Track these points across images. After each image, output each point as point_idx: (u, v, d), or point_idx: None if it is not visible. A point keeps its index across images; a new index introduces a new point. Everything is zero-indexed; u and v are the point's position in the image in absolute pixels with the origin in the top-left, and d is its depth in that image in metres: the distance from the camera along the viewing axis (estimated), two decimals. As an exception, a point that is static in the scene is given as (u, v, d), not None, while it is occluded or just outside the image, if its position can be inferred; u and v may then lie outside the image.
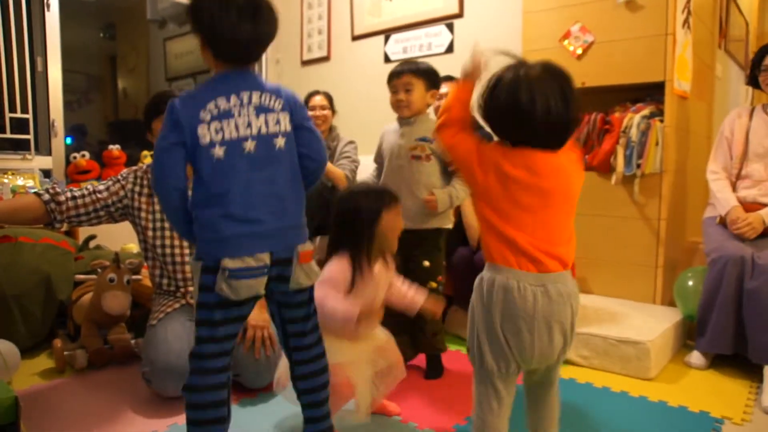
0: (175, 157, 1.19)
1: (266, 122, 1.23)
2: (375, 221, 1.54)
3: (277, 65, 4.54)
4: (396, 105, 2.05)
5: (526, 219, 1.17)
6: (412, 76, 2.01)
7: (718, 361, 2.17)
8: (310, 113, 3.04)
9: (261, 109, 1.23)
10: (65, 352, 2.07)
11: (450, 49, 3.43)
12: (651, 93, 2.62)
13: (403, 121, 2.08)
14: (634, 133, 2.48)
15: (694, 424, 1.70)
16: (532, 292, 1.16)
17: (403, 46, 3.65)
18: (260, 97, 1.24)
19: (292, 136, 1.27)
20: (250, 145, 1.21)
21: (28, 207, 1.80)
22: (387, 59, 3.74)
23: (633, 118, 2.51)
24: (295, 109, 1.30)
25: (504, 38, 3.16)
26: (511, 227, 1.17)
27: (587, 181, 2.74)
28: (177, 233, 1.53)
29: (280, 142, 1.25)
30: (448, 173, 2.03)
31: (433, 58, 3.49)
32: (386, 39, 3.73)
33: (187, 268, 1.95)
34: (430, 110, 2.13)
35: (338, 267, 1.53)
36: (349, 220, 1.56)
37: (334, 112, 3.10)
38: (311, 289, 1.35)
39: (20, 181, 2.91)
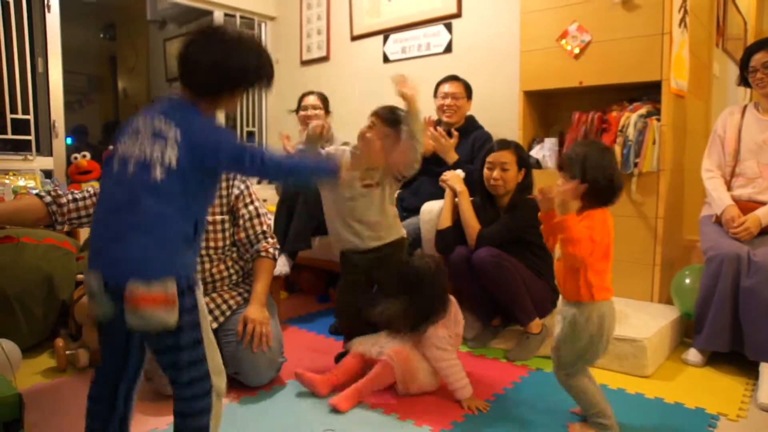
0: None
1: (155, 149, 1.18)
2: None
3: (276, 65, 4.55)
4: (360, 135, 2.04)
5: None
6: (379, 120, 2.01)
7: (714, 359, 2.18)
8: (302, 113, 3.06)
9: (155, 135, 1.19)
10: (67, 352, 2.09)
11: (449, 49, 3.44)
12: (648, 92, 2.63)
13: (355, 150, 2.09)
14: (631, 132, 2.50)
15: (690, 420, 1.72)
16: None
17: (402, 46, 3.66)
18: (163, 123, 1.21)
19: (184, 172, 1.17)
20: (132, 167, 1.17)
21: (30, 208, 1.82)
22: (386, 59, 3.75)
23: (630, 117, 2.52)
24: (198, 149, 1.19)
25: (501, 38, 3.18)
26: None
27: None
28: None
29: (159, 173, 1.16)
30: (392, 192, 2.09)
31: (432, 58, 3.51)
32: (385, 39, 3.74)
33: (188, 267, 1.96)
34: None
35: None
36: None
37: (328, 112, 3.10)
38: (178, 335, 1.16)
39: (21, 182, 2.92)
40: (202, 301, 1.23)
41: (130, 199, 1.15)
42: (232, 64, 1.25)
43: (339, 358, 2.12)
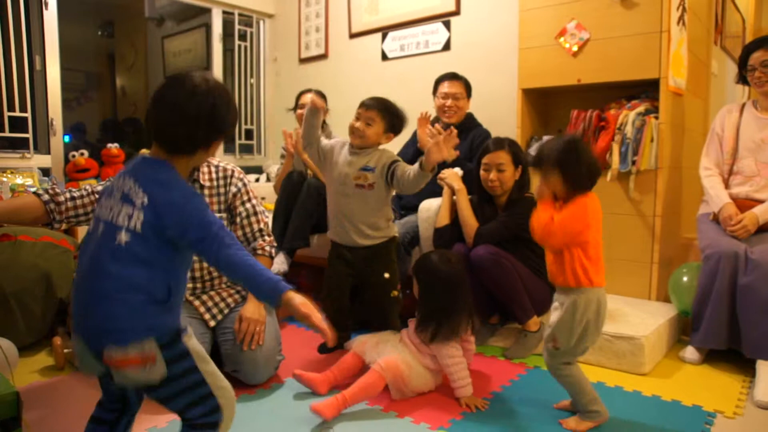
0: None
1: (120, 212, 1.16)
2: None
3: (274, 63, 4.55)
4: (351, 130, 2.13)
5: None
6: (377, 114, 2.10)
7: (711, 356, 2.19)
8: (300, 111, 3.06)
9: (124, 198, 1.18)
10: (65, 350, 2.09)
11: (447, 46, 3.44)
12: (646, 90, 2.63)
13: (353, 148, 2.14)
14: (629, 130, 2.50)
15: (687, 417, 1.73)
16: None
17: (400, 44, 3.66)
18: (133, 183, 1.19)
19: (149, 238, 1.15)
20: (100, 228, 1.18)
21: (28, 207, 1.81)
22: (384, 57, 3.75)
23: (628, 115, 2.52)
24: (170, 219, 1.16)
25: (500, 35, 3.18)
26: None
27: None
28: None
29: (124, 237, 1.14)
30: (386, 195, 2.14)
31: (431, 55, 3.51)
32: (383, 37, 3.74)
33: (188, 267, 1.96)
34: (385, 146, 2.19)
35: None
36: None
37: (326, 110, 3.10)
38: (170, 385, 1.17)
39: (19, 180, 2.92)
40: (196, 344, 1.21)
41: (97, 264, 1.15)
42: (205, 119, 1.20)
43: (322, 349, 2.22)
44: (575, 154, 1.56)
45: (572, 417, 1.69)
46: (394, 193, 2.22)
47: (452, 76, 2.82)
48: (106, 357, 1.12)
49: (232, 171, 2.09)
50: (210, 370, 1.22)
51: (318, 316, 1.24)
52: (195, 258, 1.95)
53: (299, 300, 1.23)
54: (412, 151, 2.77)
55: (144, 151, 1.34)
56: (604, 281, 1.62)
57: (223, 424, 1.22)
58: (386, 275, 2.15)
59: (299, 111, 3.07)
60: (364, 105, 2.14)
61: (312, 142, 2.18)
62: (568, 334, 1.61)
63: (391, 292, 2.17)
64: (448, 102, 2.76)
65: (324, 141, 2.21)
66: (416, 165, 1.97)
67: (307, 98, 3.04)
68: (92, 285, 1.16)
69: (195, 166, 1.29)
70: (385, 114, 2.12)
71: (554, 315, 1.64)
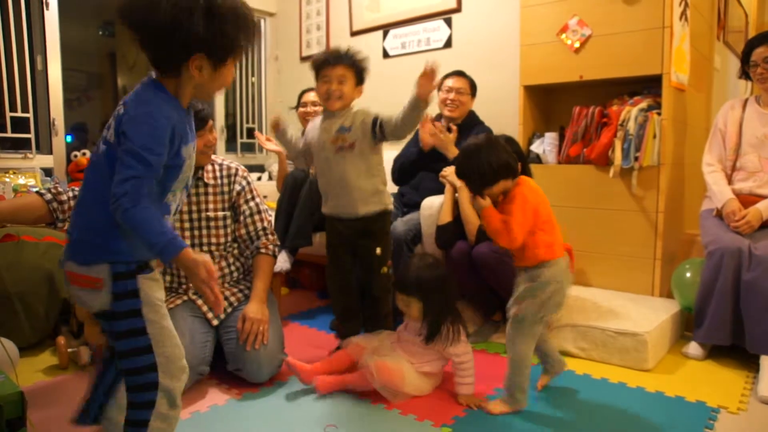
0: None
1: (109, 127, 1.16)
2: None
3: (276, 62, 4.55)
4: (326, 95, 1.98)
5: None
6: (346, 68, 1.98)
7: (715, 352, 2.18)
8: (302, 110, 3.05)
9: (115, 114, 1.17)
10: (69, 349, 2.09)
11: (448, 43, 3.44)
12: (648, 86, 2.62)
13: (327, 113, 2.03)
14: (631, 126, 2.49)
15: (691, 413, 1.72)
16: None
17: (401, 41, 3.65)
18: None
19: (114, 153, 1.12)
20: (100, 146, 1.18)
21: (31, 206, 1.82)
22: (386, 54, 3.74)
23: (631, 111, 2.52)
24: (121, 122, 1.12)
25: (501, 32, 3.17)
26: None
27: (585, 175, 2.78)
28: None
29: (101, 147, 1.16)
30: (372, 154, 2.01)
31: (432, 53, 3.50)
32: (385, 34, 3.73)
33: (191, 265, 1.96)
34: (355, 102, 2.09)
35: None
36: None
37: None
38: (111, 321, 1.15)
39: (21, 180, 2.93)
40: (153, 291, 1.17)
41: (85, 177, 1.19)
42: (167, 33, 1.09)
43: (332, 327, 2.22)
44: (475, 160, 1.66)
45: (497, 399, 1.76)
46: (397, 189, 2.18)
47: (458, 73, 2.82)
48: (65, 267, 1.16)
49: (236, 169, 2.09)
50: (158, 322, 1.16)
51: (214, 284, 1.13)
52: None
53: (201, 259, 1.11)
54: (416, 151, 2.77)
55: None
56: (563, 251, 1.73)
57: (161, 406, 1.16)
58: (378, 250, 2.04)
59: (301, 109, 3.07)
60: (327, 63, 1.97)
61: (297, 155, 2.13)
62: (533, 301, 1.69)
63: (381, 268, 2.06)
64: (451, 95, 2.76)
65: (302, 140, 2.12)
66: (407, 102, 1.89)
67: (310, 97, 3.05)
68: (80, 196, 1.20)
69: (197, 94, 1.20)
70: (353, 65, 2.00)
71: (519, 288, 1.72)
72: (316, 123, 2.08)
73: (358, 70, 2.03)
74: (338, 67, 1.97)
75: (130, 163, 1.07)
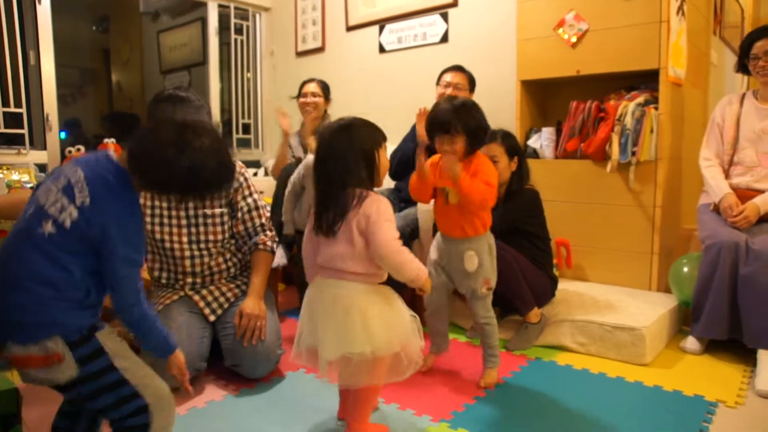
0: None
1: (55, 202, 1.13)
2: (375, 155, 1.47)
3: (271, 57, 4.53)
4: (303, 109, 2.33)
5: None
6: (316, 83, 2.50)
7: (712, 346, 2.19)
8: (302, 100, 3.06)
9: (64, 190, 1.14)
10: (64, 346, 2.07)
11: (445, 38, 3.42)
12: (646, 80, 2.62)
13: (302, 130, 2.20)
14: (629, 121, 2.49)
15: (689, 407, 1.73)
16: None
17: (397, 36, 3.64)
18: (72, 176, 1.16)
19: (74, 241, 1.12)
20: (32, 210, 1.15)
21: (24, 202, 1.80)
22: (382, 49, 3.73)
23: (628, 106, 2.51)
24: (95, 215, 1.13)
25: (498, 27, 3.16)
26: None
27: (583, 169, 2.78)
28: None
29: (50, 228, 1.11)
30: None
31: (428, 48, 3.49)
32: (381, 29, 3.71)
33: (187, 262, 1.95)
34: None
35: (386, 206, 1.45)
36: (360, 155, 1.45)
37: (328, 100, 3.11)
38: (84, 385, 1.15)
39: (15, 176, 2.90)
40: (112, 340, 1.17)
41: (15, 247, 1.12)
42: (181, 178, 1.14)
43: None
44: (473, 113, 1.74)
45: (486, 372, 1.89)
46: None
47: (457, 68, 2.81)
48: (7, 353, 1.08)
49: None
50: (131, 368, 1.16)
51: (183, 378, 1.33)
52: (196, 253, 1.95)
53: (177, 362, 1.31)
54: (413, 147, 2.76)
55: (110, 145, 1.31)
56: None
57: (155, 424, 1.16)
58: None
59: (301, 99, 3.07)
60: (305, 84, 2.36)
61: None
62: (492, 273, 1.86)
63: None
64: (449, 90, 2.75)
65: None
66: None
67: (311, 87, 3.06)
68: (8, 270, 1.11)
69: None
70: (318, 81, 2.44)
71: (473, 262, 1.81)
72: (295, 141, 2.24)
73: (321, 83, 2.60)
74: (310, 84, 2.56)
75: (128, 272, 1.17)
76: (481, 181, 1.74)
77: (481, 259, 1.83)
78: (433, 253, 1.97)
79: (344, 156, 1.41)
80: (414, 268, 1.43)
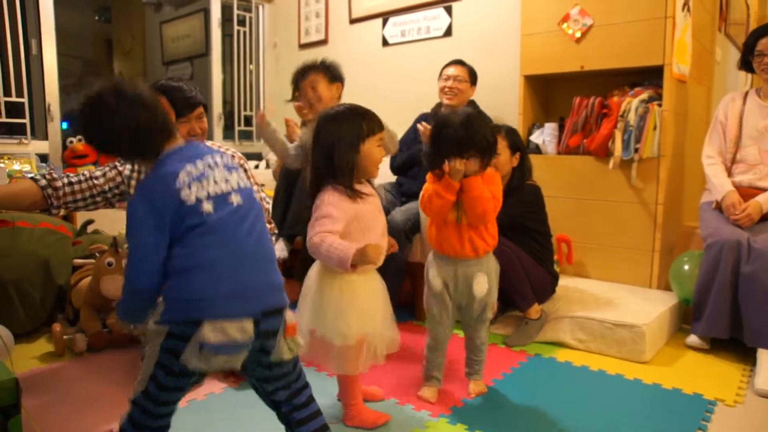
0: (162, 255, 1.10)
1: (240, 177, 1.20)
2: (356, 147, 1.48)
3: (274, 49, 4.51)
4: (303, 106, 2.10)
5: None
6: (316, 73, 2.06)
7: (712, 345, 2.18)
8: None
9: (229, 168, 1.19)
10: (64, 336, 2.08)
11: (448, 32, 3.40)
12: (649, 77, 2.60)
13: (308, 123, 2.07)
14: (632, 118, 2.48)
15: (688, 406, 1.73)
16: None
17: (401, 29, 3.62)
18: (222, 157, 1.20)
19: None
20: (235, 198, 1.15)
21: (26, 192, 1.80)
22: (385, 42, 3.71)
23: (631, 102, 2.50)
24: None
25: (502, 21, 3.14)
26: None
27: (585, 166, 2.77)
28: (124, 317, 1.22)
29: (256, 196, 1.23)
30: None
31: (432, 41, 3.47)
32: (384, 22, 3.70)
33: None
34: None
35: (327, 201, 1.47)
36: (329, 146, 1.49)
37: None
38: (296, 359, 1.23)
39: (17, 166, 2.90)
40: None
41: (253, 228, 1.18)
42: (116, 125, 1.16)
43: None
44: (479, 128, 1.63)
45: (470, 384, 1.81)
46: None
47: (457, 62, 2.81)
48: (290, 325, 1.20)
49: (232, 156, 2.07)
50: None
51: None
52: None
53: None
54: (421, 147, 2.76)
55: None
56: None
57: None
58: None
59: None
60: (300, 74, 2.10)
61: (286, 154, 2.13)
62: (494, 290, 1.75)
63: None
64: (450, 83, 2.75)
65: (287, 141, 2.15)
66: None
67: None
68: (260, 249, 1.18)
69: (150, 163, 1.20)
70: (322, 69, 2.08)
71: (484, 284, 1.70)
72: (311, 127, 2.10)
73: (328, 71, 2.11)
74: (310, 74, 2.07)
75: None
76: (488, 190, 1.66)
77: (491, 281, 1.72)
78: (434, 282, 1.73)
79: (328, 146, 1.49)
80: (334, 260, 1.41)
